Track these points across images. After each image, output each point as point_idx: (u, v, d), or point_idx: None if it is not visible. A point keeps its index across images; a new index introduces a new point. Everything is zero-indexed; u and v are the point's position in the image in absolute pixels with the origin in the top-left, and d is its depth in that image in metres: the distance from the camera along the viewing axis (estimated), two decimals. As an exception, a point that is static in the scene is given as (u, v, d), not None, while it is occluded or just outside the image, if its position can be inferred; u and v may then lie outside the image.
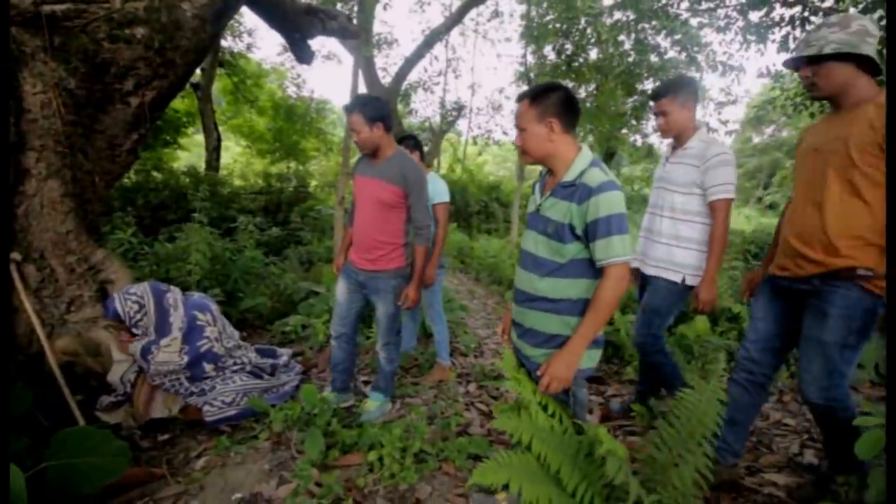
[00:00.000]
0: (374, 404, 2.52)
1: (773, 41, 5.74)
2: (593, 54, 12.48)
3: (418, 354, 3.29)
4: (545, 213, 1.43)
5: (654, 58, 11.62)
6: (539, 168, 1.58)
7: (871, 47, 1.45)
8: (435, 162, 13.82)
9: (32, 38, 2.19)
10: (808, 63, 1.54)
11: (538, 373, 1.40)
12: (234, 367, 2.48)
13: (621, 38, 10.65)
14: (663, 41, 11.02)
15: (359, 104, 2.13)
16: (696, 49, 10.46)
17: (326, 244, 6.17)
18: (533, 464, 1.28)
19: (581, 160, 1.38)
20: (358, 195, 2.32)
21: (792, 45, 5.69)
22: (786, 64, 1.63)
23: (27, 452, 1.37)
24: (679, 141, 2.18)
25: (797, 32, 5.53)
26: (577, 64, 12.18)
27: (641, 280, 2.34)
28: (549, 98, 1.37)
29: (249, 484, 1.95)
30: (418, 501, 1.85)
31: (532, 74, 14.59)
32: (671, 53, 11.56)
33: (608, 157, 21.24)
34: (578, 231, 1.34)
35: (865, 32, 1.46)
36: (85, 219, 2.51)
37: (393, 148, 2.24)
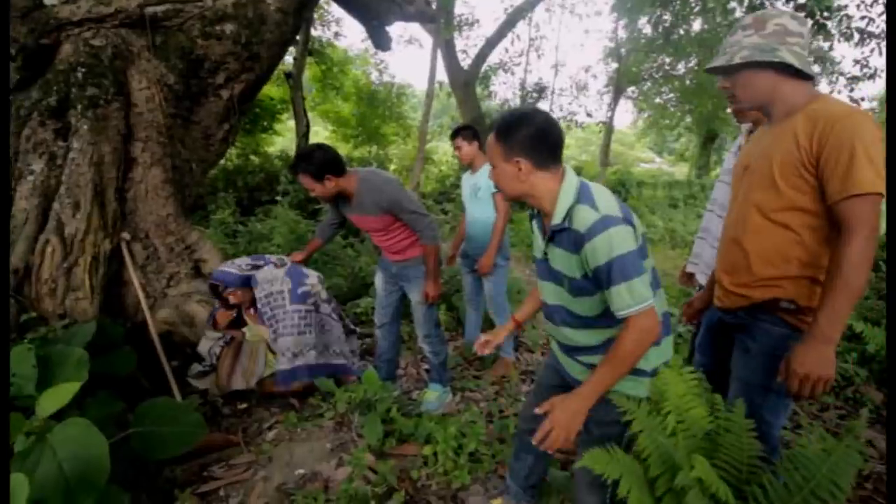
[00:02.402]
0: (433, 394, 2.54)
1: (934, -2, 4.70)
2: (696, 25, 11.24)
3: (482, 346, 3.24)
4: (554, 265, 1.27)
5: (770, 26, 10.16)
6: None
7: (789, 49, 1.21)
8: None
9: (138, 38, 2.42)
10: (724, 74, 1.34)
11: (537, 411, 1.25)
12: (332, 312, 2.61)
13: (732, 5, 9.43)
14: (784, 6, 9.56)
15: (300, 166, 2.08)
16: (825, 14, 8.94)
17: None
18: (640, 469, 1.18)
19: (564, 196, 1.18)
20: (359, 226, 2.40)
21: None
22: (707, 71, 1.39)
23: (119, 417, 1.55)
24: (756, 127, 1.81)
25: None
26: (675, 37, 11.05)
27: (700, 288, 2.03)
28: (515, 135, 1.18)
29: (311, 462, 2.05)
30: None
31: (623, 50, 13.55)
32: (793, 20, 10.02)
33: (708, 140, 19.25)
34: (591, 276, 1.18)
35: (784, 32, 1.22)
36: (183, 203, 2.77)
37: (354, 183, 2.18)
